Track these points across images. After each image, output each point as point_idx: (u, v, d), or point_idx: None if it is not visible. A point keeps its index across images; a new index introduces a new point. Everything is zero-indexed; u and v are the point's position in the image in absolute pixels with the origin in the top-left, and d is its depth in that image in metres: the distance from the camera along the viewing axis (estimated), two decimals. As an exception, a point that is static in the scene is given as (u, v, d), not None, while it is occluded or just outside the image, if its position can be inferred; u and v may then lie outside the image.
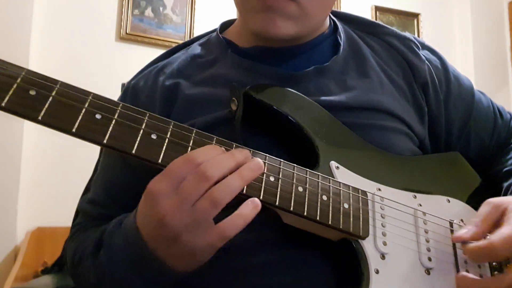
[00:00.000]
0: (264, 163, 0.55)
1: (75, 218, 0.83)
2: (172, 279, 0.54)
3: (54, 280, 1.42)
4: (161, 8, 2.62)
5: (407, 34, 0.82)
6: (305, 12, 0.67)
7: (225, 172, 0.49)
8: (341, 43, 0.77)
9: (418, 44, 0.81)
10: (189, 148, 0.52)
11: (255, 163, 0.52)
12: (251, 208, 0.50)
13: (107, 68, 2.37)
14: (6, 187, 2.01)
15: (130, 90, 0.76)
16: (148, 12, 2.59)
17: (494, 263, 0.64)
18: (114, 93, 0.55)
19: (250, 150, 0.55)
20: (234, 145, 0.55)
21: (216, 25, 0.84)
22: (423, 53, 0.80)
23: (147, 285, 0.55)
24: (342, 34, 0.78)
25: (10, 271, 1.81)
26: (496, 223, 0.60)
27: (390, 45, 0.80)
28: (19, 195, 2.12)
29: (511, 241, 0.56)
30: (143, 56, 0.88)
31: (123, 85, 0.82)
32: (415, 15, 3.25)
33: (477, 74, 3.08)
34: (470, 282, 0.58)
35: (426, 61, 0.79)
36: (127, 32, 2.51)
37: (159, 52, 0.83)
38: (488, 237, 0.58)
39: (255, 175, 0.52)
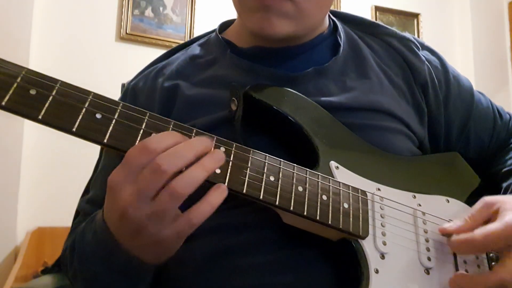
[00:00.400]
0: (264, 162, 0.55)
1: (75, 218, 0.83)
2: (142, 270, 0.54)
3: (54, 280, 1.42)
4: (161, 8, 2.62)
5: (407, 34, 0.82)
6: (301, 11, 0.67)
7: (182, 164, 0.47)
8: (341, 44, 0.77)
9: (418, 45, 0.81)
10: None
11: (217, 153, 0.50)
12: (218, 193, 0.49)
13: (107, 68, 2.37)
14: (6, 187, 2.01)
15: (129, 91, 0.77)
16: (148, 12, 2.59)
17: (493, 263, 0.64)
18: (114, 93, 0.55)
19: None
20: (234, 145, 0.54)
21: (216, 25, 0.84)
22: (422, 53, 0.80)
23: (115, 276, 0.54)
24: (342, 35, 0.78)
25: (10, 271, 1.81)
26: (488, 221, 0.60)
27: (389, 45, 0.80)
28: (19, 195, 2.12)
29: (494, 236, 0.56)
30: (143, 56, 0.88)
31: (123, 85, 0.82)
32: (415, 15, 3.25)
33: (477, 74, 3.08)
34: (461, 280, 0.59)
35: (426, 62, 0.79)
36: (127, 32, 2.51)
37: (159, 52, 0.84)
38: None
39: (218, 165, 0.50)
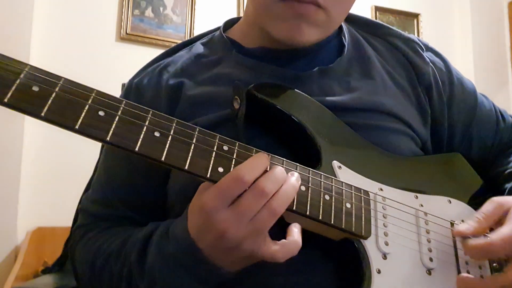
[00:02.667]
0: None
1: (75, 219, 0.82)
2: (224, 279, 0.56)
3: (54, 280, 1.42)
4: (161, 8, 2.62)
5: (411, 35, 0.82)
6: (331, 18, 0.67)
7: (279, 186, 0.52)
8: (346, 44, 0.77)
9: (422, 46, 0.81)
10: (192, 145, 0.51)
11: (298, 175, 0.55)
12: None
13: (107, 68, 2.37)
14: (6, 187, 2.01)
15: (133, 88, 0.76)
16: (148, 12, 2.59)
17: (494, 264, 0.64)
18: (114, 93, 0.55)
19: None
20: (237, 144, 0.54)
21: (216, 25, 0.83)
22: (427, 55, 0.80)
23: (200, 286, 0.56)
24: (346, 35, 0.79)
25: (10, 270, 1.81)
26: (498, 222, 0.60)
27: (394, 46, 0.80)
28: (19, 195, 2.11)
29: (510, 240, 0.56)
30: (143, 56, 0.88)
31: (123, 85, 0.81)
32: (415, 15, 3.25)
33: (477, 74, 3.08)
34: (470, 282, 0.58)
35: (430, 63, 0.79)
36: (127, 32, 2.50)
37: (159, 52, 0.83)
38: (488, 235, 0.58)
39: (300, 183, 0.55)
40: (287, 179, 0.53)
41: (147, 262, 0.59)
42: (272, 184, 0.51)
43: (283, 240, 0.53)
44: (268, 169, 0.53)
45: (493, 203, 0.62)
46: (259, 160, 0.53)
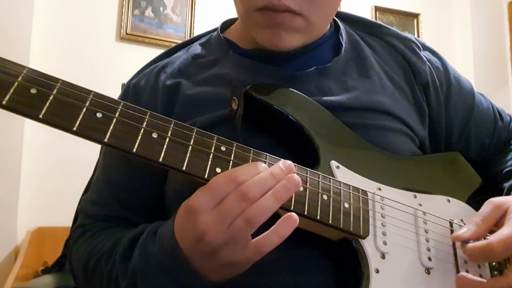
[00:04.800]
0: (265, 162, 0.55)
1: (75, 220, 0.82)
2: (206, 286, 0.55)
3: (54, 280, 1.42)
4: (161, 8, 2.62)
5: (408, 35, 0.82)
6: (311, 23, 0.67)
7: (266, 192, 0.50)
8: (343, 44, 0.77)
9: (419, 45, 0.81)
10: (190, 146, 0.51)
11: (291, 182, 0.51)
12: (287, 225, 0.50)
13: (107, 68, 2.37)
14: (6, 187, 2.01)
15: (131, 89, 0.76)
16: (148, 12, 2.59)
17: (494, 263, 0.64)
18: (114, 93, 0.55)
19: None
20: (235, 145, 0.54)
21: (216, 25, 0.84)
22: (424, 54, 0.80)
23: None
24: (343, 35, 0.79)
25: (10, 270, 1.81)
26: (497, 224, 0.60)
27: (391, 45, 0.80)
28: (19, 195, 2.12)
29: (510, 242, 0.55)
30: (143, 56, 0.88)
31: (123, 85, 0.81)
32: (415, 15, 3.25)
33: (477, 74, 3.08)
34: (469, 283, 0.58)
35: (427, 62, 0.79)
36: (127, 32, 2.51)
37: (159, 52, 0.83)
38: (487, 237, 0.58)
39: (291, 194, 0.52)
40: (276, 189, 0.50)
41: (131, 263, 0.59)
42: (258, 190, 0.49)
43: (256, 239, 0.51)
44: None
45: (490, 205, 0.62)
46: (257, 164, 0.52)
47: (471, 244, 0.58)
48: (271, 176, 0.51)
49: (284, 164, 0.53)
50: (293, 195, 0.54)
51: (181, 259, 0.52)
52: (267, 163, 0.55)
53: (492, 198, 0.63)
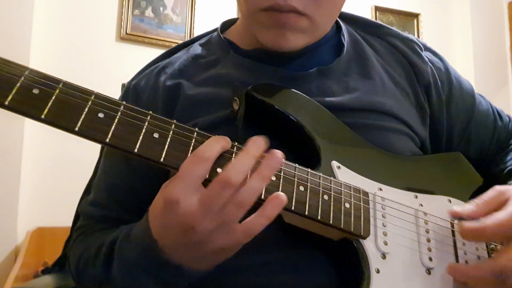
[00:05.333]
0: None
1: (75, 220, 0.82)
2: (190, 280, 0.55)
3: (54, 280, 1.42)
4: (161, 8, 2.62)
5: (409, 35, 0.82)
6: (315, 24, 0.67)
7: (247, 174, 0.49)
8: (345, 44, 0.77)
9: (421, 46, 0.81)
10: (192, 145, 0.51)
11: (274, 159, 0.51)
12: (273, 206, 0.50)
13: (107, 68, 2.37)
14: (6, 187, 2.01)
15: (131, 90, 0.76)
16: (149, 12, 2.59)
17: (493, 255, 0.64)
18: (114, 93, 0.55)
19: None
20: (236, 145, 0.54)
21: (216, 25, 0.84)
22: (425, 54, 0.80)
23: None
24: (345, 35, 0.79)
25: (10, 271, 1.81)
26: (497, 209, 0.60)
27: (393, 46, 0.80)
28: (19, 195, 2.12)
29: (504, 225, 0.57)
30: (143, 56, 0.88)
31: (123, 85, 0.81)
32: (415, 15, 3.25)
33: (477, 74, 3.08)
34: (461, 269, 0.59)
35: (429, 63, 0.79)
36: (127, 32, 2.51)
37: (159, 52, 0.83)
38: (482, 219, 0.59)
39: (274, 171, 0.52)
40: (261, 170, 0.50)
41: (112, 268, 0.59)
42: (237, 173, 0.48)
43: (244, 222, 0.50)
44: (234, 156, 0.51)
45: (494, 191, 0.63)
46: (218, 138, 0.52)
47: (466, 223, 0.59)
48: (248, 157, 0.50)
49: (256, 142, 0.52)
50: (294, 195, 0.54)
51: (160, 257, 0.52)
52: None
53: (497, 186, 0.64)
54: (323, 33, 0.73)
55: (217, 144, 0.51)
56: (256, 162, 0.50)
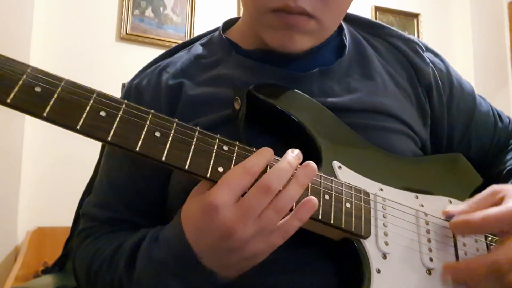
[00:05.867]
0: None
1: (75, 220, 0.82)
2: (217, 286, 0.55)
3: (54, 280, 1.42)
4: (161, 9, 2.62)
5: (411, 36, 0.82)
6: (323, 26, 0.67)
7: (286, 182, 0.52)
8: (346, 45, 0.77)
9: (422, 46, 0.81)
10: (193, 146, 0.51)
11: (310, 170, 0.54)
12: (306, 210, 0.52)
13: (107, 68, 2.37)
14: (6, 187, 2.01)
15: (133, 90, 0.76)
16: (149, 12, 2.59)
17: None
18: (114, 93, 0.55)
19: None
20: (237, 144, 0.55)
21: (216, 25, 0.83)
22: (427, 55, 0.80)
23: None
24: (347, 36, 0.79)
25: (10, 271, 1.81)
26: (491, 207, 0.61)
27: (394, 46, 0.80)
28: (19, 195, 2.12)
29: (494, 218, 0.57)
30: (143, 56, 0.88)
31: (123, 85, 0.81)
32: (415, 15, 3.25)
33: (477, 74, 3.08)
34: (456, 266, 0.60)
35: (431, 64, 0.79)
36: (128, 32, 2.51)
37: (159, 52, 0.83)
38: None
39: (310, 180, 0.55)
40: (298, 177, 0.52)
41: (136, 270, 0.58)
42: (278, 180, 0.51)
43: (278, 225, 0.52)
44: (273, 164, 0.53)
45: (490, 189, 0.64)
46: (264, 152, 0.54)
47: (455, 217, 0.60)
48: (288, 165, 0.52)
49: (294, 152, 0.55)
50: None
51: (193, 261, 0.52)
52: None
53: (494, 184, 0.64)
54: (328, 35, 0.73)
55: (264, 159, 0.53)
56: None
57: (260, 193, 0.49)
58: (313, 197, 0.52)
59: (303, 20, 0.64)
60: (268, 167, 0.53)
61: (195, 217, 0.51)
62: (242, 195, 0.50)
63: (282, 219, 0.52)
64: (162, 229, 0.58)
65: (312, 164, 0.54)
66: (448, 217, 0.63)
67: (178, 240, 0.53)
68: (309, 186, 0.56)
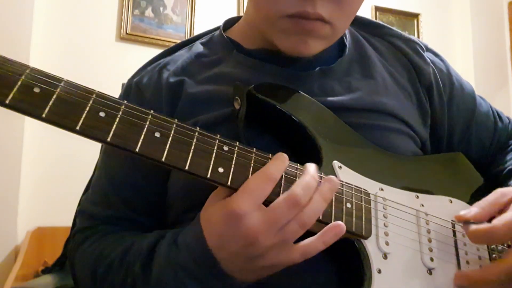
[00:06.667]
0: (267, 162, 0.55)
1: (75, 220, 0.82)
2: None
3: (54, 280, 1.42)
4: (161, 8, 2.62)
5: (411, 36, 0.83)
6: (336, 31, 0.67)
7: (311, 195, 0.52)
8: (347, 45, 0.77)
9: (423, 46, 0.81)
10: (193, 146, 0.51)
11: (334, 184, 0.55)
12: (333, 234, 0.52)
13: (107, 68, 2.37)
14: (6, 187, 2.01)
15: (133, 87, 0.75)
16: (149, 12, 2.59)
17: (494, 255, 0.64)
18: (114, 93, 0.55)
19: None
20: (238, 145, 0.54)
21: (215, 25, 0.83)
22: (427, 55, 0.80)
23: None
24: (347, 35, 0.79)
25: (10, 270, 1.81)
26: (501, 211, 0.60)
27: (394, 46, 0.80)
28: (19, 195, 2.11)
29: None
30: (143, 56, 0.87)
31: (123, 85, 0.81)
32: (415, 15, 3.25)
33: (477, 74, 3.08)
34: (469, 276, 0.58)
35: (431, 64, 0.79)
36: (127, 32, 2.51)
37: (159, 52, 0.83)
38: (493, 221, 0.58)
39: (333, 194, 0.55)
40: (322, 192, 0.53)
41: (153, 273, 0.57)
42: (305, 194, 0.51)
43: (303, 243, 0.53)
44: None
45: (496, 193, 0.63)
46: (282, 157, 0.54)
47: (473, 226, 0.58)
48: (313, 179, 0.53)
49: (312, 165, 0.55)
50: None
51: (214, 266, 0.52)
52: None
53: (498, 188, 0.64)
54: (338, 38, 0.72)
55: (283, 165, 0.54)
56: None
57: (288, 206, 0.50)
58: (341, 223, 0.53)
59: (319, 26, 0.63)
60: (284, 174, 0.54)
61: (217, 224, 0.51)
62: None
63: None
64: (180, 233, 0.57)
65: (335, 178, 0.55)
66: (460, 221, 0.62)
67: (199, 245, 0.53)
68: None
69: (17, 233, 2.09)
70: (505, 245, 0.65)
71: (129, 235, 0.68)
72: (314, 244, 0.52)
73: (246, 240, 0.49)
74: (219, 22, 0.83)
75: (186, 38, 0.86)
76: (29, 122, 2.14)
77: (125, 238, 0.66)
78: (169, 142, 0.50)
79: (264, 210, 0.50)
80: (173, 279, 0.55)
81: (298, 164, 0.57)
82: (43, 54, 2.25)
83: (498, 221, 0.57)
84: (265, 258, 0.51)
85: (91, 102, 0.48)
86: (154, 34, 2.57)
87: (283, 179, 0.54)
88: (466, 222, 0.60)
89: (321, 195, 0.53)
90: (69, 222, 0.86)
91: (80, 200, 0.83)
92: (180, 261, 0.54)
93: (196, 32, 2.54)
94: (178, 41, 0.84)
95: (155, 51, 0.83)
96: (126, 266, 0.61)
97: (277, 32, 0.66)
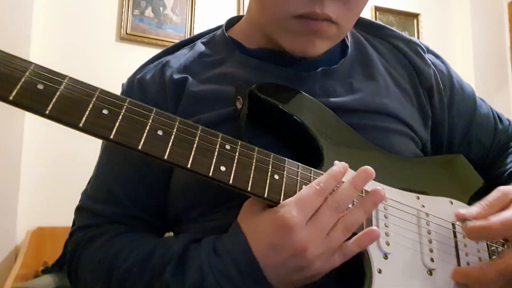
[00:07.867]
0: (269, 161, 0.55)
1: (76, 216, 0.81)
2: None
3: (54, 280, 1.42)
4: (161, 8, 2.62)
5: (412, 38, 0.83)
6: (342, 31, 0.67)
7: (352, 200, 0.55)
8: (349, 46, 0.77)
9: (424, 48, 0.81)
10: (195, 144, 0.51)
11: (378, 198, 0.55)
12: (368, 238, 0.54)
13: (107, 68, 2.37)
14: (6, 186, 2.01)
15: (136, 84, 0.75)
16: (148, 12, 2.59)
17: (494, 257, 0.64)
18: (114, 93, 0.55)
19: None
20: (240, 143, 0.54)
21: (215, 25, 0.83)
22: (428, 57, 0.80)
23: None
24: (349, 36, 0.79)
25: (10, 270, 1.81)
26: (502, 209, 0.60)
27: (396, 48, 0.80)
28: (19, 195, 2.11)
29: (509, 223, 0.56)
30: (143, 56, 0.87)
31: (123, 85, 0.81)
32: (415, 15, 3.25)
33: (477, 74, 3.09)
34: (467, 272, 0.59)
35: (432, 65, 0.79)
36: (127, 32, 2.51)
37: (159, 52, 0.83)
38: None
39: (375, 208, 0.57)
40: (365, 203, 0.54)
41: (187, 279, 0.56)
42: (347, 202, 0.53)
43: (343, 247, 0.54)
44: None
45: (497, 192, 0.63)
46: (336, 174, 0.55)
47: (470, 222, 0.59)
48: (355, 189, 0.54)
49: (361, 178, 0.56)
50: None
51: (259, 276, 0.52)
52: (271, 162, 0.55)
53: (501, 187, 0.64)
54: (343, 37, 0.72)
55: (335, 182, 0.54)
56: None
57: (331, 212, 0.52)
58: (376, 228, 0.54)
59: (326, 26, 0.64)
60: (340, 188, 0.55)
61: (266, 233, 0.52)
62: None
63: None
64: (216, 240, 0.57)
65: (381, 191, 0.55)
66: (461, 220, 0.62)
67: (243, 254, 0.52)
68: None
69: (17, 233, 2.09)
70: (505, 246, 0.65)
71: (144, 237, 0.66)
72: (352, 247, 0.54)
73: (296, 250, 0.50)
74: (219, 22, 0.83)
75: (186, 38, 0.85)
76: (29, 121, 2.14)
77: (141, 241, 0.64)
78: (171, 140, 0.50)
79: (311, 220, 0.51)
80: (212, 286, 0.54)
81: (299, 164, 0.57)
82: (43, 54, 2.25)
83: (495, 218, 0.57)
84: (311, 267, 0.52)
85: (94, 99, 0.48)
86: (154, 34, 2.57)
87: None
88: (465, 220, 0.61)
89: (363, 207, 0.54)
90: (69, 222, 0.85)
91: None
92: (222, 269, 0.53)
93: (196, 32, 2.54)
94: (178, 41, 0.84)
95: (155, 51, 0.83)
96: (151, 272, 0.59)
97: (284, 33, 0.66)
